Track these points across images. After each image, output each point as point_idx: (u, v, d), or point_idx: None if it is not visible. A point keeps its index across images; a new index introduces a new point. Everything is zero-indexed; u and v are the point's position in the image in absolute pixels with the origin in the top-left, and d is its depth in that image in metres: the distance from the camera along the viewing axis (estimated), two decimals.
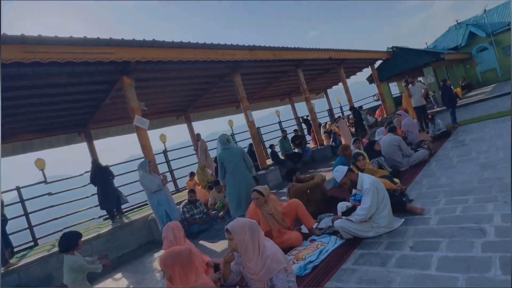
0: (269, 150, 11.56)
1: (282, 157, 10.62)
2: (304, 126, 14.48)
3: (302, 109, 13.94)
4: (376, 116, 15.20)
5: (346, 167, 3.31)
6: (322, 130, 11.99)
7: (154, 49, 5.79)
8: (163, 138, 10.42)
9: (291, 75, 11.18)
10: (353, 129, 11.38)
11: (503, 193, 3.21)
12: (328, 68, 12.87)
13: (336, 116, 16.22)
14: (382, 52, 15.72)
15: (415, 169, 5.34)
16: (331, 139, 10.42)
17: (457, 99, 15.75)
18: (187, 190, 6.67)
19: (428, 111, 9.53)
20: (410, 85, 9.83)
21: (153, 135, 9.07)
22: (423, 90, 9.42)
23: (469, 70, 21.75)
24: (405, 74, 17.61)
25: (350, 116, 12.25)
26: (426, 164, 5.46)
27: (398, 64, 16.48)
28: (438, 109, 14.60)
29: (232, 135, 12.62)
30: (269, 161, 10.39)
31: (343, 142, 8.93)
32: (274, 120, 14.48)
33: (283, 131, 12.15)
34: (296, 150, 10.95)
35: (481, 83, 21.02)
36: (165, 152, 10.30)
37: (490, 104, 11.32)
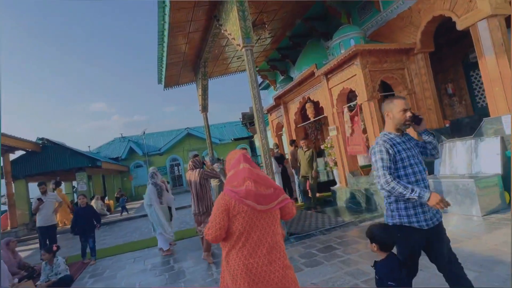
0: None
1: None
2: None
3: None
4: None
5: None
6: None
7: None
8: None
9: None
10: None
11: None
12: None
13: None
14: (24, 141, 11.83)
15: None
16: None
17: (108, 213, 14.69)
18: None
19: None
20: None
21: None
22: (56, 203, 6.65)
23: (126, 182, 22.38)
24: (56, 175, 14.61)
25: None
26: None
27: (48, 161, 13.12)
28: None
29: None
30: None
31: None
32: None
33: None
34: None
35: (135, 196, 21.97)
36: None
37: (135, 225, 10.50)
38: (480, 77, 7.25)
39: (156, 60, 8.37)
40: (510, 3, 4.77)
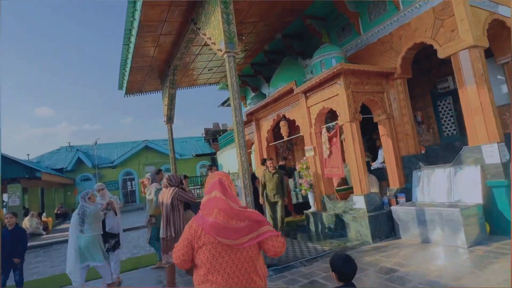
0: None
1: None
2: None
3: None
4: None
5: None
6: None
7: None
8: None
9: None
10: None
11: None
12: None
13: None
14: None
15: None
16: None
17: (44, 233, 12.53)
18: None
19: None
20: None
21: None
22: None
23: (69, 197, 20.03)
24: None
25: None
26: None
27: None
28: None
29: None
30: None
31: None
32: None
33: None
34: None
35: None
36: None
37: None
38: (447, 107, 7.57)
39: (119, 63, 7.55)
40: (487, 36, 4.94)
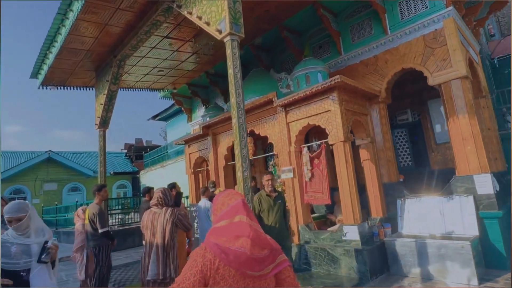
0: None
1: None
2: None
3: None
4: None
5: None
6: None
7: None
8: None
9: None
10: None
11: None
12: None
13: None
14: None
15: None
16: None
17: None
18: None
19: None
20: None
21: None
22: None
23: None
24: None
25: None
26: None
27: None
28: None
29: None
30: None
31: None
32: None
33: None
34: None
35: None
36: None
37: None
38: (403, 138, 7.86)
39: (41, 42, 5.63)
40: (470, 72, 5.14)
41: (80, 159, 18.45)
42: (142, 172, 18.05)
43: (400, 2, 5.65)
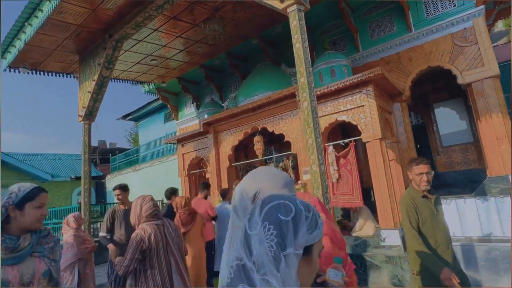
0: None
1: None
2: None
3: None
4: None
5: None
6: None
7: None
8: None
9: None
10: None
11: None
12: None
13: None
14: None
15: None
16: None
17: None
18: None
19: None
20: None
21: None
22: None
23: None
24: None
25: None
26: None
27: None
28: None
29: None
30: None
31: None
32: None
33: None
34: None
35: None
36: None
37: None
38: None
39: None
40: None
41: (34, 162, 16.23)
42: (108, 176, 16.36)
43: (425, 0, 5.55)
